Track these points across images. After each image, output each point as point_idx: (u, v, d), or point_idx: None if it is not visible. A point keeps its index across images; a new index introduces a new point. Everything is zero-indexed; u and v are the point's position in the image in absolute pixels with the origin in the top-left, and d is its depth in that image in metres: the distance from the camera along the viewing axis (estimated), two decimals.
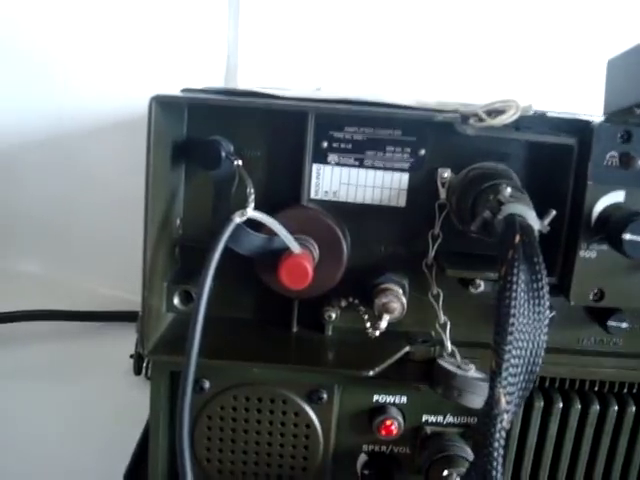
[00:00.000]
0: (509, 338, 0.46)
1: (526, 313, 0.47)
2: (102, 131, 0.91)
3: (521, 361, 0.47)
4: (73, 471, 0.85)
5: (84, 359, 0.91)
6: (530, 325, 0.48)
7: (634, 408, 0.63)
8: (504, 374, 0.46)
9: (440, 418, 0.65)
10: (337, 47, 0.89)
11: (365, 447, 0.66)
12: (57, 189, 0.94)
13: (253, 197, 0.54)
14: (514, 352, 0.46)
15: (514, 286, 0.46)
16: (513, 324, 0.46)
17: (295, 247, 0.54)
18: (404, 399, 0.65)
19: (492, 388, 0.46)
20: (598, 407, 0.63)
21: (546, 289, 0.47)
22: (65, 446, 0.87)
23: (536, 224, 0.51)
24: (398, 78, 0.85)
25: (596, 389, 0.64)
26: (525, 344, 0.47)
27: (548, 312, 0.48)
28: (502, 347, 0.46)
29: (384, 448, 0.66)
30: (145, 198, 0.53)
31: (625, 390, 0.64)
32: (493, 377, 0.46)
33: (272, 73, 0.91)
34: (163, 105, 0.54)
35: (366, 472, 0.66)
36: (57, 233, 0.94)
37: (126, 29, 0.91)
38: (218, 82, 0.95)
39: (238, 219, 0.52)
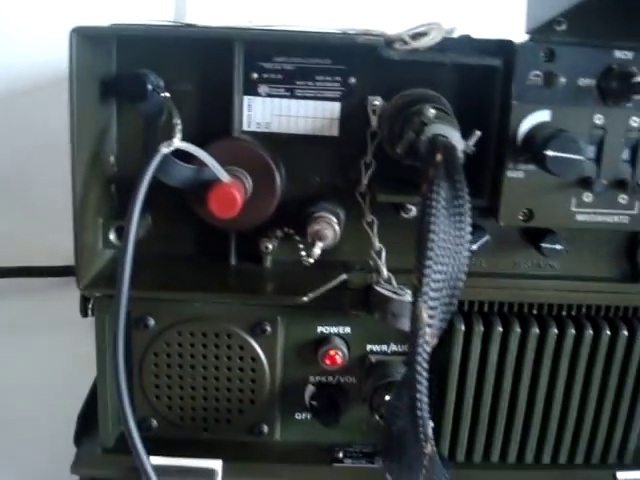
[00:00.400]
0: (429, 254, 0.47)
1: (447, 230, 0.48)
2: (52, 85, 0.90)
3: (442, 276, 0.48)
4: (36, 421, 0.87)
5: (50, 313, 0.91)
6: (451, 242, 0.48)
7: (573, 330, 0.64)
8: (424, 289, 0.46)
9: (384, 347, 0.66)
10: None
11: (312, 378, 0.67)
12: (13, 146, 0.93)
13: (180, 128, 0.54)
14: (435, 267, 0.47)
15: (434, 203, 0.47)
16: (433, 240, 0.47)
17: (224, 176, 0.54)
18: (348, 329, 0.66)
19: (414, 303, 0.47)
20: (538, 330, 0.64)
21: (467, 206, 0.48)
22: (33, 398, 0.89)
23: (460, 144, 0.51)
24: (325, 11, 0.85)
25: (535, 312, 0.64)
26: (447, 260, 0.48)
27: (470, 229, 0.48)
28: (422, 263, 0.46)
29: (331, 379, 0.67)
30: (70, 136, 0.54)
31: (564, 312, 0.64)
32: (414, 293, 0.47)
33: (220, 10, 0.90)
34: (85, 38, 0.53)
35: (314, 403, 0.67)
36: (16, 191, 0.94)
37: None
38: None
39: (164, 149, 0.53)
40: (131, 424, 0.53)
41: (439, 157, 0.49)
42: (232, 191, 0.53)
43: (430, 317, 0.47)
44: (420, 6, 0.81)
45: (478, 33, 0.57)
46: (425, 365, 0.46)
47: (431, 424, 0.55)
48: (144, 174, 0.52)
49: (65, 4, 0.84)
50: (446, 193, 0.48)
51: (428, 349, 0.47)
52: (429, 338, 0.47)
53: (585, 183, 0.56)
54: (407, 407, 0.48)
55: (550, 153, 0.51)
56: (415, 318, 0.46)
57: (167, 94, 0.56)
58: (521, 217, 0.57)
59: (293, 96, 0.59)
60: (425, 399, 0.47)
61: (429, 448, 0.47)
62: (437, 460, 0.49)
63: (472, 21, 0.60)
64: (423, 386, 0.47)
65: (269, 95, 0.59)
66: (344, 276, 0.60)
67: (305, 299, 0.56)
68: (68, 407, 0.72)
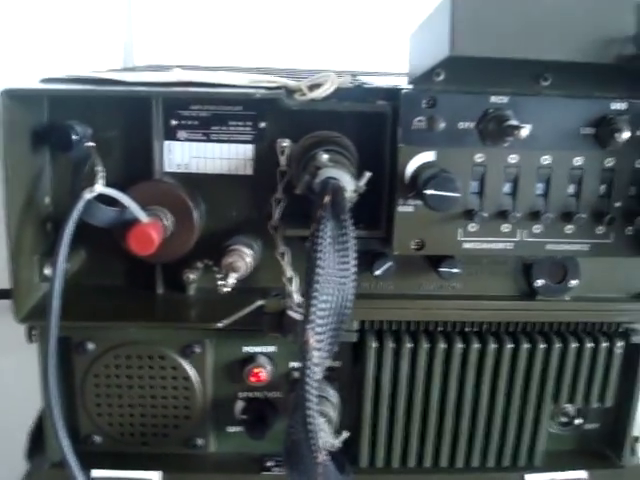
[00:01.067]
0: (315, 286, 0.53)
1: (332, 265, 0.54)
2: None
3: (329, 305, 0.54)
4: None
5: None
6: (337, 274, 0.54)
7: (477, 344, 0.70)
8: (311, 317, 0.52)
9: None
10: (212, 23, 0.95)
11: (241, 394, 0.73)
12: None
13: (102, 175, 0.60)
14: (321, 298, 0.53)
15: (320, 240, 0.53)
16: (319, 274, 0.53)
17: (142, 216, 0.60)
18: (272, 348, 0.72)
19: (302, 330, 0.53)
20: (444, 345, 0.70)
21: (352, 243, 0.54)
22: None
23: (350, 185, 0.57)
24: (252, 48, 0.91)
25: (441, 329, 0.70)
26: (332, 291, 0.54)
27: (354, 262, 0.54)
28: (310, 294, 0.52)
29: (258, 394, 0.73)
30: (3, 184, 0.59)
31: (468, 329, 0.71)
32: (304, 320, 0.53)
33: (165, 50, 0.96)
34: (13, 98, 0.59)
35: (244, 417, 0.73)
36: None
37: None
38: (117, 63, 1.00)
39: (87, 195, 0.58)
40: (63, 442, 0.59)
41: (327, 199, 0.55)
42: (148, 231, 0.59)
43: (318, 341, 0.53)
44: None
45: (372, 76, 0.63)
46: (314, 384, 0.52)
47: (344, 434, 0.62)
48: (69, 217, 0.58)
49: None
50: (332, 231, 0.54)
51: (317, 369, 0.53)
52: (317, 360, 0.53)
53: (469, 215, 0.61)
54: (301, 422, 0.54)
55: (428, 192, 0.57)
56: (304, 343, 0.52)
57: (91, 144, 0.62)
58: (413, 246, 0.63)
59: (209, 140, 0.65)
60: (315, 414, 0.53)
61: (321, 457, 0.53)
62: (331, 468, 0.55)
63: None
64: (313, 403, 0.53)
65: (187, 139, 0.65)
66: (260, 302, 0.66)
67: (220, 325, 0.62)
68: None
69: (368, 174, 0.57)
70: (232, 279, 0.62)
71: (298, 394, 0.54)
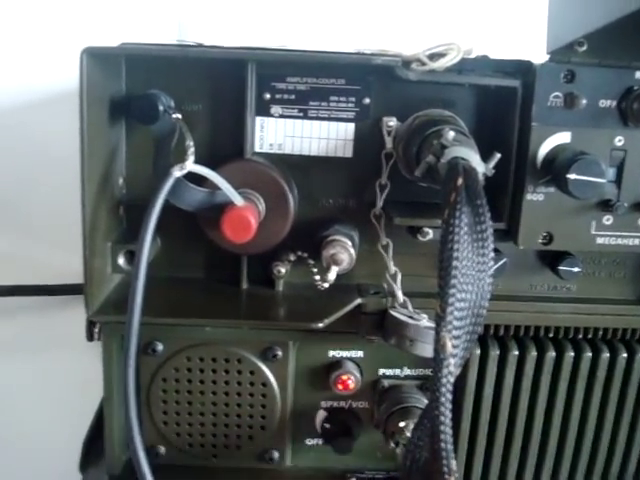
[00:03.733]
0: (452, 282, 0.45)
1: (469, 256, 0.47)
2: (55, 102, 0.88)
3: (466, 304, 0.46)
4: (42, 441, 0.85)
5: (53, 333, 0.90)
6: (474, 268, 0.47)
7: (590, 354, 0.63)
8: (449, 318, 0.45)
9: (397, 371, 0.65)
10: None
11: (323, 403, 0.66)
12: (13, 166, 0.91)
13: (193, 150, 0.53)
14: (458, 296, 0.45)
15: (456, 229, 0.46)
16: (456, 267, 0.45)
17: (237, 199, 0.53)
18: (360, 353, 0.64)
19: (437, 333, 0.45)
20: (554, 353, 0.63)
21: (490, 231, 0.47)
22: (33, 416, 0.87)
23: (480, 167, 0.50)
24: (341, 30, 0.83)
25: (551, 335, 0.63)
26: (470, 287, 0.47)
27: (492, 255, 0.47)
28: (446, 291, 0.45)
29: (343, 404, 0.66)
30: (80, 157, 0.52)
31: (580, 336, 0.63)
32: (438, 322, 0.45)
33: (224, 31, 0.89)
34: (96, 58, 0.52)
35: (327, 426, 0.65)
36: (19, 211, 0.92)
37: None
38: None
39: (177, 173, 0.51)
40: (140, 455, 0.51)
41: (460, 181, 0.47)
42: (247, 215, 0.52)
43: (454, 347, 0.45)
44: (436, 25, 0.79)
45: (497, 53, 0.56)
46: (449, 396, 0.45)
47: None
48: (156, 198, 0.50)
49: (71, 24, 0.82)
50: (468, 218, 0.47)
51: (452, 380, 0.46)
52: (453, 369, 0.46)
53: (605, 206, 0.55)
54: (429, 439, 0.46)
55: (572, 176, 0.50)
56: (439, 349, 0.45)
57: (179, 115, 0.54)
58: (540, 240, 0.56)
59: (306, 117, 0.58)
60: (449, 431, 0.45)
61: None
62: None
63: (491, 41, 0.59)
64: (447, 418, 0.45)
65: (282, 116, 0.58)
66: (359, 300, 0.59)
67: (321, 325, 0.55)
68: (71, 427, 0.71)
69: (498, 155, 0.50)
70: (333, 273, 0.55)
71: (429, 407, 0.47)
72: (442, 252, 0.46)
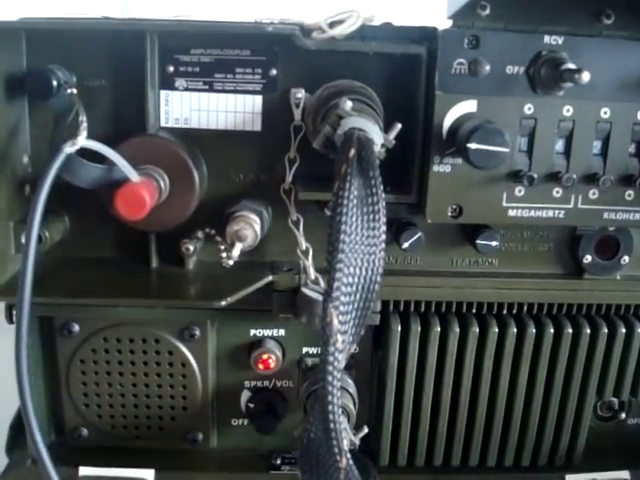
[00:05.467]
0: (340, 256, 0.44)
1: (359, 230, 0.45)
2: None
3: (355, 279, 0.45)
4: None
5: None
6: (364, 242, 0.46)
7: (515, 329, 0.61)
8: (335, 293, 0.44)
9: (320, 349, 0.63)
10: None
11: (247, 383, 0.65)
12: None
13: (85, 125, 0.51)
14: (346, 270, 0.44)
15: (345, 201, 0.44)
16: (344, 241, 0.44)
17: (133, 175, 0.51)
18: (282, 332, 0.63)
19: (324, 309, 0.44)
20: (477, 329, 0.61)
21: (382, 204, 0.45)
22: None
23: (379, 138, 0.48)
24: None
25: (474, 311, 0.62)
26: (359, 262, 0.45)
27: (384, 228, 0.46)
28: (333, 266, 0.44)
29: (267, 383, 0.65)
30: None
31: (505, 311, 0.62)
32: (325, 298, 0.44)
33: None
34: None
35: (250, 405, 0.64)
36: None
37: None
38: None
39: (68, 149, 0.50)
40: (37, 437, 0.50)
41: (352, 152, 0.46)
42: (140, 191, 0.50)
43: (342, 323, 0.44)
44: None
45: (402, 20, 0.54)
46: (337, 374, 0.44)
47: (364, 430, 0.53)
48: (46, 175, 0.49)
49: None
50: (359, 191, 0.45)
51: (341, 357, 0.44)
52: (341, 345, 0.44)
53: (516, 176, 0.53)
54: (320, 422, 0.45)
55: (473, 146, 0.49)
56: (326, 325, 0.43)
57: (74, 90, 0.53)
58: (450, 213, 0.54)
59: (212, 90, 0.56)
60: (337, 411, 0.44)
61: (344, 462, 0.44)
62: (355, 474, 0.46)
63: (396, 8, 0.57)
64: (335, 397, 0.44)
65: (187, 89, 0.56)
66: (269, 278, 0.57)
67: (223, 303, 0.53)
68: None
69: (398, 125, 0.48)
70: (237, 250, 0.54)
71: (318, 387, 0.45)
72: (331, 226, 0.45)
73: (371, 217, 0.46)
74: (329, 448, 0.45)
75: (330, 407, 0.44)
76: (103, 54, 0.56)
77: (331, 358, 0.43)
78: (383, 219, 0.46)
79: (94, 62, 0.56)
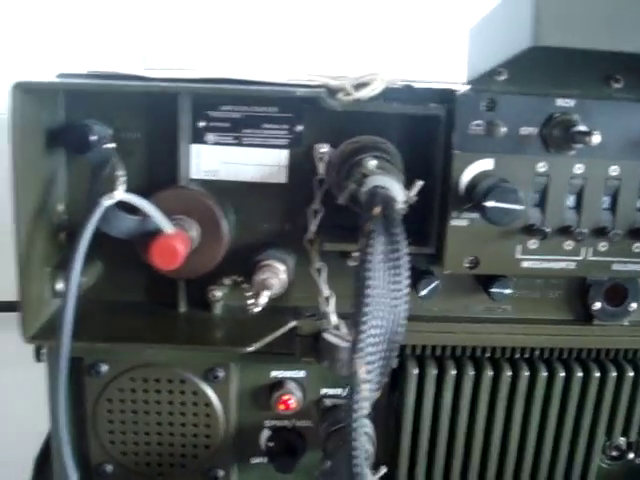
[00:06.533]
0: (366, 309, 0.46)
1: (384, 284, 0.48)
2: None
3: (380, 331, 0.47)
4: None
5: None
6: (388, 296, 0.48)
7: (527, 372, 0.64)
8: (361, 345, 0.46)
9: (339, 390, 0.66)
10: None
11: (267, 422, 0.67)
12: None
13: (123, 180, 0.54)
14: (372, 322, 0.46)
15: (370, 257, 0.47)
16: (369, 295, 0.46)
17: (166, 226, 0.54)
18: (302, 373, 0.65)
19: (351, 360, 0.46)
20: (491, 372, 0.63)
21: (405, 260, 0.48)
22: None
23: (400, 195, 0.51)
24: (272, 58, 0.84)
25: (489, 355, 0.64)
26: (384, 314, 0.48)
27: (407, 282, 0.48)
28: (360, 318, 0.46)
29: (286, 422, 0.67)
30: (13, 187, 0.53)
31: (518, 355, 0.64)
32: (353, 349, 0.46)
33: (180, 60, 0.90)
34: (27, 92, 0.53)
35: (271, 445, 0.66)
36: None
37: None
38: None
39: (106, 202, 0.52)
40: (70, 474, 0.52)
41: (377, 210, 0.48)
42: (174, 243, 0.53)
43: (368, 372, 0.46)
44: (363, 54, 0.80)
45: (422, 82, 0.57)
46: (362, 421, 0.46)
47: (382, 470, 0.56)
48: (85, 226, 0.52)
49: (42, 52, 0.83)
50: (383, 247, 0.48)
51: (366, 405, 0.47)
52: (367, 394, 0.47)
53: (530, 230, 0.56)
54: (346, 464, 0.47)
55: (489, 204, 0.51)
56: (352, 375, 0.46)
57: (112, 145, 0.56)
58: (467, 264, 0.57)
59: (240, 144, 0.59)
60: (363, 456, 0.46)
61: None
62: None
63: (416, 70, 0.60)
64: (360, 443, 0.46)
65: (216, 143, 0.59)
66: (293, 323, 0.60)
67: (250, 349, 0.56)
68: (23, 445, 0.72)
69: (420, 183, 0.51)
70: (264, 298, 0.56)
71: (343, 428, 0.48)
72: (357, 280, 0.47)
73: (395, 272, 0.48)
74: None
75: (356, 452, 0.46)
76: (138, 110, 0.59)
77: (357, 406, 0.46)
78: (406, 273, 0.48)
79: (129, 117, 0.59)
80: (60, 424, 0.52)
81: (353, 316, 0.47)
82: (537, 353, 0.64)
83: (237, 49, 0.85)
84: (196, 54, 0.85)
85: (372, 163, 0.51)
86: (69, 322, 0.52)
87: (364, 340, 0.46)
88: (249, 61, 0.83)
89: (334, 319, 0.59)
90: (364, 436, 0.44)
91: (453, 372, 0.63)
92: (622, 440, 0.71)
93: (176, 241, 0.53)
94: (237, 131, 0.59)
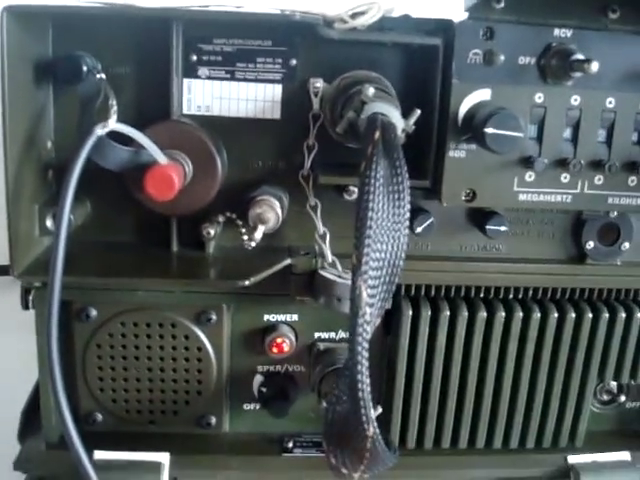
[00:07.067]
0: (368, 232, 0.46)
1: (385, 208, 0.47)
2: None
3: (382, 255, 0.47)
4: None
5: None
6: (390, 220, 0.48)
7: (521, 313, 0.64)
8: (364, 267, 0.45)
9: (332, 334, 0.66)
10: None
11: (260, 368, 0.66)
12: None
13: (115, 109, 0.53)
14: (374, 246, 0.46)
15: (372, 180, 0.46)
16: (371, 218, 0.46)
17: (161, 157, 0.53)
18: (295, 317, 0.65)
19: (353, 282, 0.46)
20: (485, 313, 0.63)
21: (406, 184, 0.47)
22: None
23: (400, 123, 0.51)
24: None
25: (482, 295, 0.64)
26: (386, 238, 0.47)
27: (408, 207, 0.48)
28: (361, 241, 0.46)
29: (279, 367, 0.66)
30: (2, 119, 0.52)
31: (511, 296, 0.64)
32: (354, 271, 0.46)
33: None
34: (18, 17, 0.52)
35: (263, 390, 0.66)
36: None
37: None
38: None
39: (99, 131, 0.51)
40: (68, 421, 0.51)
41: (377, 135, 0.48)
42: (169, 172, 0.52)
43: (370, 296, 0.46)
44: None
45: (419, 12, 0.56)
46: (366, 345, 0.46)
47: (379, 409, 0.55)
48: (78, 156, 0.50)
49: None
50: (384, 171, 0.47)
51: (369, 329, 0.46)
52: (369, 317, 0.46)
53: (527, 162, 0.55)
54: (349, 390, 0.47)
55: (489, 130, 0.51)
56: (355, 297, 0.45)
57: (103, 76, 0.54)
58: (464, 197, 0.56)
59: (234, 78, 0.58)
60: (366, 380, 0.46)
61: (371, 430, 0.46)
62: (381, 443, 0.48)
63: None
64: (364, 367, 0.46)
65: (209, 77, 0.58)
66: (288, 261, 0.59)
67: (246, 283, 0.55)
68: (10, 397, 0.70)
69: (417, 111, 0.51)
70: (260, 232, 0.56)
71: (347, 358, 0.47)
72: (358, 204, 0.47)
73: (396, 196, 0.48)
74: (357, 417, 0.47)
75: (359, 376, 0.46)
76: (127, 42, 0.58)
77: (360, 329, 0.45)
78: (407, 198, 0.48)
79: (118, 50, 0.58)
80: (54, 370, 0.51)
81: (355, 240, 0.46)
82: (530, 293, 0.64)
83: None
84: None
85: (371, 90, 0.50)
86: (60, 259, 0.50)
87: (367, 263, 0.46)
88: None
89: (329, 256, 0.59)
90: (368, 361, 0.44)
91: (447, 313, 0.63)
92: (613, 384, 0.71)
93: (171, 171, 0.52)
94: (230, 65, 0.58)
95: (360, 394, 0.46)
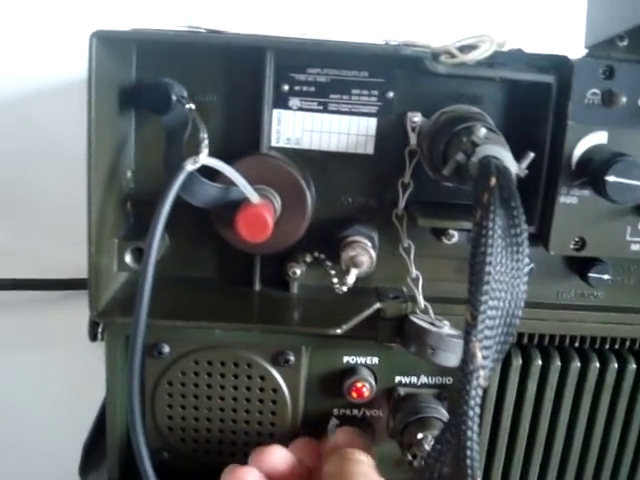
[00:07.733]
0: (485, 288, 0.42)
1: (503, 261, 0.44)
2: (60, 91, 0.85)
3: (498, 313, 0.43)
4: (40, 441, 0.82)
5: (52, 327, 0.87)
6: (508, 274, 0.44)
7: (616, 365, 0.60)
8: (480, 327, 0.42)
9: (414, 379, 0.62)
10: None
11: (336, 411, 0.63)
12: (15, 158, 0.87)
13: (207, 143, 0.50)
14: (490, 303, 0.42)
15: (490, 232, 0.43)
16: (489, 272, 0.42)
17: (253, 196, 0.49)
18: (375, 360, 0.61)
19: (467, 342, 0.42)
20: (579, 364, 0.60)
21: (525, 235, 0.44)
22: (31, 414, 0.84)
23: (513, 167, 0.47)
24: (366, 20, 0.80)
25: (576, 345, 0.60)
26: (503, 294, 0.44)
27: (527, 260, 0.44)
28: (478, 298, 0.42)
29: (356, 412, 0.63)
30: (88, 148, 0.49)
31: (607, 346, 0.61)
32: (468, 330, 0.42)
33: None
34: (105, 42, 0.49)
35: None
36: (21, 203, 0.89)
37: None
38: None
39: (190, 166, 0.48)
40: (146, 463, 0.48)
41: (493, 181, 0.44)
42: (263, 213, 0.48)
43: (484, 358, 0.42)
44: (466, 17, 0.76)
45: (531, 47, 0.52)
46: (477, 411, 0.42)
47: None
48: (167, 193, 0.47)
49: (77, 9, 0.78)
50: (502, 220, 0.44)
51: (480, 393, 0.43)
52: (483, 381, 0.43)
53: None
54: (453, 455, 0.43)
55: (611, 179, 0.47)
56: (469, 359, 0.42)
57: (192, 106, 0.51)
58: (572, 246, 0.53)
59: (326, 110, 0.55)
60: (476, 448, 0.42)
61: None
62: None
63: (525, 34, 0.56)
64: (475, 433, 0.42)
65: (300, 109, 0.55)
66: (377, 305, 0.55)
67: (339, 331, 0.52)
68: (70, 427, 0.69)
69: (531, 155, 0.47)
70: (353, 276, 0.52)
71: (454, 420, 0.44)
72: (474, 256, 0.43)
73: (515, 249, 0.44)
74: None
75: (469, 443, 0.42)
76: (215, 69, 0.55)
77: (473, 393, 0.42)
78: (526, 250, 0.44)
79: (206, 77, 0.55)
80: (135, 413, 0.48)
81: (471, 296, 0.43)
82: (627, 344, 0.60)
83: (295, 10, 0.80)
84: (246, 14, 0.80)
85: (483, 131, 0.47)
86: (146, 299, 0.47)
87: (483, 321, 0.42)
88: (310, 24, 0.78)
89: (422, 301, 0.55)
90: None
91: (539, 362, 0.59)
92: None
93: (265, 211, 0.49)
94: (323, 96, 0.55)
95: (469, 462, 0.43)
